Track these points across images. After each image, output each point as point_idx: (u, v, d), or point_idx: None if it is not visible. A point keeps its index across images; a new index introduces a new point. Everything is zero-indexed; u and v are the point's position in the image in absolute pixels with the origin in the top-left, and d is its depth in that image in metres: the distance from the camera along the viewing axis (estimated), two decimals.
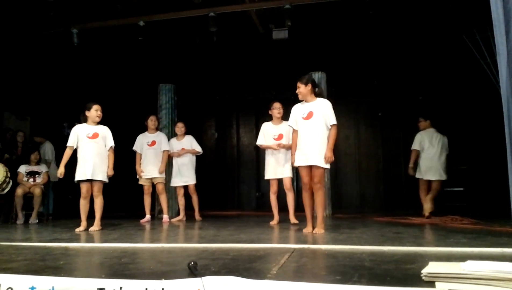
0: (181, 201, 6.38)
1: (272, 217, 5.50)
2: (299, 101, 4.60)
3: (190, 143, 6.42)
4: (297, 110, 4.53)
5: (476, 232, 4.10)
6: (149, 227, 5.33)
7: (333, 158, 4.29)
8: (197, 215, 6.28)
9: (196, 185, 6.36)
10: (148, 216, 6.17)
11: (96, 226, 4.96)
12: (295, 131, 4.52)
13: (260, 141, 5.59)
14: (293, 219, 5.34)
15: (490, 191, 7.20)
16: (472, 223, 5.05)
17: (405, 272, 2.24)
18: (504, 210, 6.19)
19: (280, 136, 5.42)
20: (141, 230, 4.99)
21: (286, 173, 5.41)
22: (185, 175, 6.30)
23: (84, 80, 9.49)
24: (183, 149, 6.33)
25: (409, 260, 2.57)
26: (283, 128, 5.42)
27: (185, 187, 6.36)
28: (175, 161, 6.39)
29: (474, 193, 7.45)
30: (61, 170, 4.96)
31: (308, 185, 4.38)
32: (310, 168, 4.34)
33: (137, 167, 6.21)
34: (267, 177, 5.55)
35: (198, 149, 6.46)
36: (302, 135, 4.41)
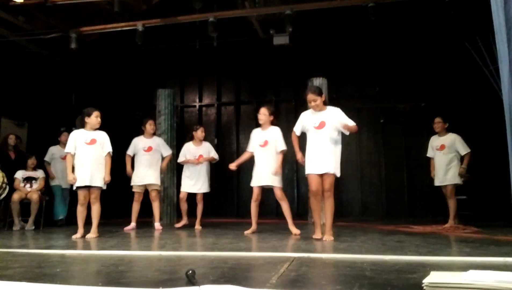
0: (184, 206, 6.24)
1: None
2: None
3: (208, 149, 6.31)
4: (307, 119, 4.56)
5: (478, 241, 4.07)
6: (146, 235, 5.28)
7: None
8: (198, 224, 6.15)
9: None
10: (133, 224, 6.03)
11: (93, 233, 4.91)
12: (295, 133, 4.62)
13: (249, 147, 5.43)
14: (294, 229, 5.03)
15: (493, 199, 7.16)
16: (475, 232, 5.02)
17: (407, 281, 2.21)
18: (507, 219, 6.17)
19: (266, 143, 5.21)
20: (138, 238, 4.96)
21: (275, 182, 5.14)
22: (199, 182, 6.18)
23: (82, 86, 9.51)
24: (201, 156, 6.20)
25: (410, 270, 2.54)
26: (269, 134, 5.23)
27: (190, 194, 6.26)
28: (189, 167, 6.25)
29: (477, 202, 7.40)
30: (71, 177, 4.94)
31: (317, 192, 4.41)
32: (321, 176, 4.38)
33: (128, 168, 6.12)
34: (252, 184, 5.32)
35: (216, 156, 6.37)
36: (313, 145, 4.46)
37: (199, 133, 6.29)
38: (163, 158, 6.35)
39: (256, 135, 5.36)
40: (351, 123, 4.39)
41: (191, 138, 6.37)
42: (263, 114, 5.27)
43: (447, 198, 5.87)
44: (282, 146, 5.17)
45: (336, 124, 4.39)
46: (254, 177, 5.31)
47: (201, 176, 6.20)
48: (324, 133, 4.39)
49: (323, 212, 4.52)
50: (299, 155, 4.54)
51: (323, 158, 4.33)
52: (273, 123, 5.34)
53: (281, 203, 5.22)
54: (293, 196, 8.83)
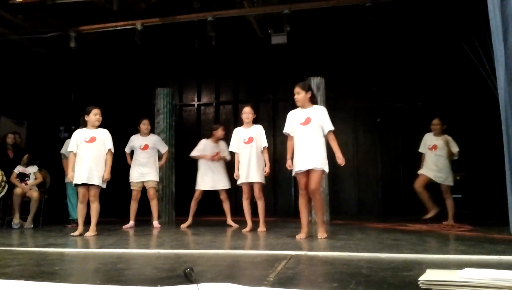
0: (195, 207, 6.15)
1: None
2: (296, 106, 4.63)
3: (224, 149, 6.22)
4: (293, 116, 4.56)
5: (474, 240, 4.09)
6: (145, 233, 5.29)
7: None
8: (230, 221, 6.09)
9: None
10: (132, 222, 6.02)
11: (92, 231, 4.93)
12: (290, 138, 4.55)
13: (232, 147, 5.52)
14: (262, 227, 5.29)
15: (488, 198, 7.19)
16: (470, 230, 5.03)
17: (403, 279, 2.23)
18: (502, 217, 6.18)
19: (250, 139, 5.38)
20: (137, 236, 4.97)
21: (259, 178, 5.31)
22: (218, 179, 6.11)
23: (81, 84, 9.50)
24: (218, 153, 6.15)
25: (406, 268, 2.55)
26: (253, 131, 5.43)
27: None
28: (204, 164, 6.17)
29: (472, 200, 7.43)
30: (69, 175, 5.04)
31: (306, 190, 4.39)
32: (308, 173, 4.34)
33: (129, 162, 6.22)
34: (239, 182, 5.41)
35: (228, 157, 6.24)
36: (299, 141, 4.42)
37: (220, 132, 6.24)
38: (159, 157, 6.38)
39: (240, 133, 5.51)
40: (330, 127, 4.41)
41: (209, 135, 6.32)
42: (250, 112, 5.51)
43: (444, 198, 5.87)
44: (265, 143, 5.40)
45: (321, 121, 4.40)
46: (240, 174, 5.36)
47: (219, 172, 6.12)
48: (310, 129, 4.38)
49: (313, 211, 4.50)
50: (289, 162, 4.51)
51: (310, 154, 4.31)
52: (254, 121, 5.58)
53: (258, 202, 5.36)
54: (291, 195, 8.86)
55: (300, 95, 4.46)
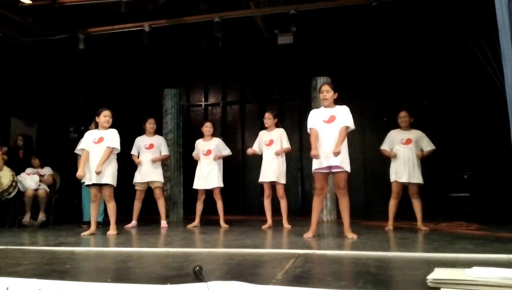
0: (200, 207, 6.10)
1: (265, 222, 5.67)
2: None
3: (217, 145, 6.16)
4: (316, 114, 4.51)
5: (482, 238, 4.07)
6: (154, 232, 5.33)
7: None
8: (222, 222, 5.98)
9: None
10: (134, 222, 6.01)
11: (112, 230, 5.01)
12: (313, 131, 4.44)
13: (254, 146, 5.89)
14: (286, 224, 5.59)
15: (496, 196, 7.15)
16: (478, 229, 5.01)
17: (411, 278, 2.24)
18: (510, 216, 6.15)
19: (271, 142, 5.73)
20: (146, 235, 5.01)
21: (280, 179, 5.65)
22: (209, 178, 6.03)
23: (90, 86, 9.57)
24: (209, 151, 6.10)
25: (414, 266, 2.56)
26: (274, 134, 5.76)
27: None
28: (199, 163, 6.14)
29: (480, 199, 7.39)
30: (79, 173, 5.10)
31: (322, 190, 4.44)
32: (328, 174, 4.41)
33: (137, 162, 6.12)
34: (261, 180, 5.76)
35: (225, 152, 6.17)
36: (322, 138, 4.37)
37: (204, 128, 6.22)
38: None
39: (263, 135, 5.87)
40: (349, 123, 4.40)
41: (202, 134, 6.30)
42: (268, 118, 5.81)
43: (413, 198, 5.42)
44: (288, 144, 5.73)
45: (344, 119, 4.38)
46: (261, 174, 5.74)
47: (212, 172, 6.04)
48: (334, 127, 4.36)
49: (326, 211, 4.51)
50: (314, 151, 4.32)
51: (331, 152, 4.28)
52: (277, 125, 5.86)
53: (281, 201, 5.66)
54: (298, 194, 8.86)
55: (329, 94, 4.44)
